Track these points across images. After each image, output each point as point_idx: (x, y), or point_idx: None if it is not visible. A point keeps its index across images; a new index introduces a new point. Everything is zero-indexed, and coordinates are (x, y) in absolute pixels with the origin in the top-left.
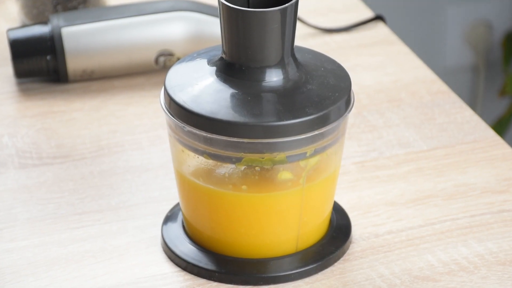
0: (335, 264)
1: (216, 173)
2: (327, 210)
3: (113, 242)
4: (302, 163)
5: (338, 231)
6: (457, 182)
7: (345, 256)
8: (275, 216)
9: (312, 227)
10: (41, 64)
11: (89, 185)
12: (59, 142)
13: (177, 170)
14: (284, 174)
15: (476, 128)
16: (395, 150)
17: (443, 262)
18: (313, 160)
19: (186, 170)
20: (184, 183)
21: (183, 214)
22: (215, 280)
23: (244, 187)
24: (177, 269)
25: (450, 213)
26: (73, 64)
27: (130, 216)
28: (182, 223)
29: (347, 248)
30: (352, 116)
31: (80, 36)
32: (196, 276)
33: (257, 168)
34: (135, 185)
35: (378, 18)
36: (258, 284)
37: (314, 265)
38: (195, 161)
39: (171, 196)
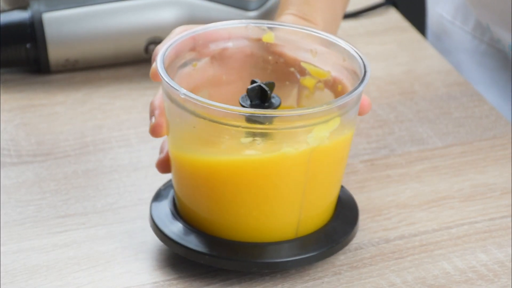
0: (342, 272)
1: (214, 144)
2: (333, 194)
3: (99, 248)
4: (308, 139)
5: (344, 219)
6: (475, 182)
7: (353, 263)
8: (277, 189)
9: (315, 210)
10: (20, 53)
11: (73, 186)
12: (40, 138)
13: (172, 146)
14: (288, 150)
15: (496, 123)
16: (407, 147)
17: (460, 269)
18: (319, 136)
19: (182, 144)
20: (179, 158)
21: (175, 192)
22: (204, 263)
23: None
24: (170, 277)
25: (467, 216)
26: (55, 53)
27: (118, 219)
28: (174, 201)
29: (352, 238)
30: None
31: (62, 23)
32: (190, 284)
33: (257, 142)
34: (123, 185)
35: (389, 3)
36: (251, 270)
37: (314, 253)
38: (191, 133)
39: None
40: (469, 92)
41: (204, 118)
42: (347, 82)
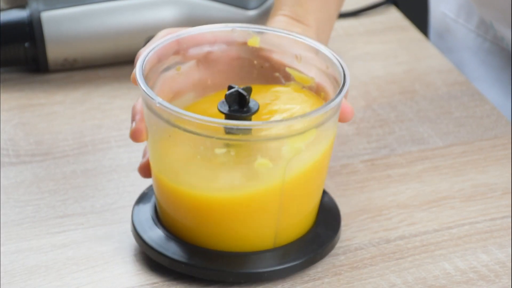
0: (342, 272)
1: (189, 156)
2: (312, 203)
3: (98, 248)
4: (283, 151)
5: (326, 225)
6: (476, 182)
7: (354, 264)
8: (252, 201)
9: (293, 220)
10: (19, 52)
11: (72, 186)
12: (39, 138)
13: (151, 157)
14: (262, 162)
15: (497, 123)
16: (408, 146)
17: (461, 270)
18: (294, 148)
19: (160, 161)
20: (158, 176)
21: (155, 197)
22: (182, 272)
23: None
24: (169, 277)
25: (468, 216)
26: (53, 52)
27: (117, 220)
28: (155, 205)
29: (335, 244)
30: (361, 110)
31: (61, 21)
32: (189, 285)
33: (232, 152)
34: (122, 185)
35: (390, 2)
36: (228, 280)
37: (294, 263)
38: (167, 141)
39: None
40: (470, 91)
41: (179, 128)
42: (330, 89)
